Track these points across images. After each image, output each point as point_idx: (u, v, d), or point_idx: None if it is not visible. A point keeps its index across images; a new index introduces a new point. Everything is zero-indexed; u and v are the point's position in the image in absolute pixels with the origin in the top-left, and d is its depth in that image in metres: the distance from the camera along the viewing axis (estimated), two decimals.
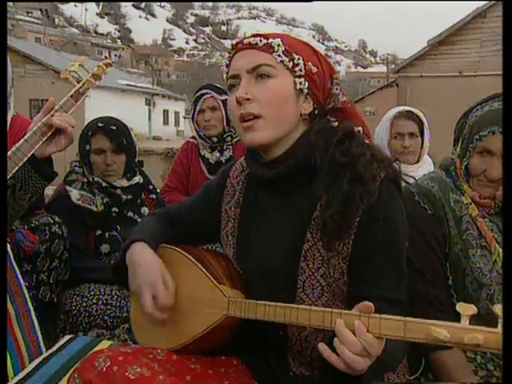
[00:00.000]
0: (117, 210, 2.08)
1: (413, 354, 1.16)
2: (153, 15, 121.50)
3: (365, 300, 0.84)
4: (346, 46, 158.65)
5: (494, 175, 1.27)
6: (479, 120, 1.29)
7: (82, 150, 2.08)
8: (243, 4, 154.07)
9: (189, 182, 2.73)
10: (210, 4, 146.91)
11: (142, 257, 1.11)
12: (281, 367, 1.09)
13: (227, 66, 1.09)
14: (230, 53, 1.09)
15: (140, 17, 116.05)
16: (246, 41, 1.05)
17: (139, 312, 1.12)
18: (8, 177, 1.31)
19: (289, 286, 1.03)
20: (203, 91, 2.65)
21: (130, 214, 2.11)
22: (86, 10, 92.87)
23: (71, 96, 1.43)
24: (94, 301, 1.88)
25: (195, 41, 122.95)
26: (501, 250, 1.28)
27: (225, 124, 2.64)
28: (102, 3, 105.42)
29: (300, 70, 1.03)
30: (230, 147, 2.68)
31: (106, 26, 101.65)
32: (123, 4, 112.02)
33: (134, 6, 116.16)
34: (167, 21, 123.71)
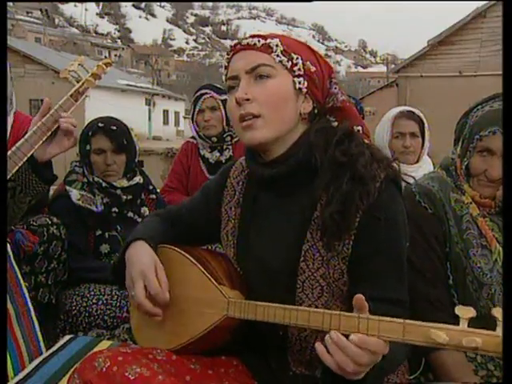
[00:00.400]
0: (117, 210, 2.08)
1: (413, 354, 1.16)
2: (153, 15, 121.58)
3: (365, 301, 0.83)
4: (345, 46, 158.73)
5: (494, 175, 1.27)
6: (480, 120, 1.29)
7: (82, 150, 2.08)
8: (243, 4, 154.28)
9: (189, 182, 2.73)
10: (210, 4, 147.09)
11: (138, 252, 1.10)
12: (281, 367, 1.09)
13: (225, 67, 1.08)
14: (228, 54, 1.08)
15: (140, 17, 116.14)
16: (244, 42, 1.05)
17: (139, 312, 1.11)
18: (8, 176, 1.32)
19: (289, 285, 1.03)
20: (203, 91, 2.65)
21: (130, 214, 2.11)
22: (86, 9, 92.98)
23: (71, 95, 1.44)
24: (94, 301, 1.88)
25: (195, 41, 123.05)
26: (501, 250, 1.28)
27: (224, 124, 2.64)
28: (101, 3, 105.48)
29: (299, 69, 1.03)
30: (230, 147, 2.68)
31: (105, 26, 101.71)
32: (123, 4, 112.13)
33: (134, 5, 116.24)
34: (167, 21, 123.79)
